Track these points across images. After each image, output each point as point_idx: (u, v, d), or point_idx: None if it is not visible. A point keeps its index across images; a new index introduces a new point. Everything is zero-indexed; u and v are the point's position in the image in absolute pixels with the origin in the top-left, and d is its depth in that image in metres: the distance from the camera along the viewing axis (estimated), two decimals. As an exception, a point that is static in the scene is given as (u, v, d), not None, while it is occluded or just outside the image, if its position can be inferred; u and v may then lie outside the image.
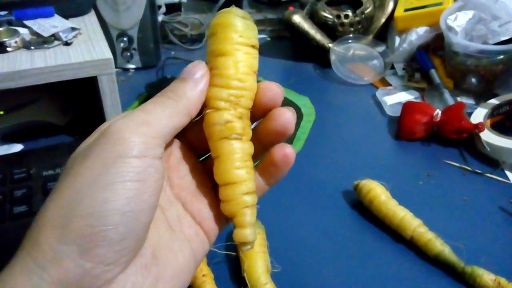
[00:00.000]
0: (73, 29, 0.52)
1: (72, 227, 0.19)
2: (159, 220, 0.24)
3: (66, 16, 0.56)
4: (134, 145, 0.20)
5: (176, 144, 0.26)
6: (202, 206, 0.25)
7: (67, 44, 0.50)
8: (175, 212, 0.25)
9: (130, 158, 0.20)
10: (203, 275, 0.37)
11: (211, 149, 0.24)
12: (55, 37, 0.50)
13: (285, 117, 0.24)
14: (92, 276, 0.19)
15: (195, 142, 0.26)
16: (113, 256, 0.19)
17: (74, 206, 0.19)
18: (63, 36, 0.50)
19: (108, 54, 0.48)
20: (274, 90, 0.24)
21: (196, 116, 0.24)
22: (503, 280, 0.36)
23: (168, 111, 0.22)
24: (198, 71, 0.24)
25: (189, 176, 0.26)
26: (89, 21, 0.57)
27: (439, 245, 0.39)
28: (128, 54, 0.72)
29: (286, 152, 0.25)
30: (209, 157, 0.27)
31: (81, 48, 0.49)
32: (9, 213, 0.41)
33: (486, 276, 0.37)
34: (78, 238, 0.19)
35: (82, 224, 0.19)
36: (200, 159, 0.27)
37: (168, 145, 0.24)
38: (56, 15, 0.54)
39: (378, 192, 0.44)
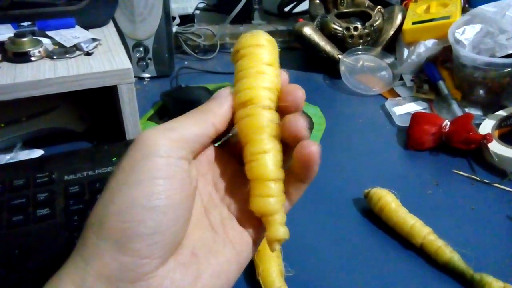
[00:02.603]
0: (94, 39, 0.54)
1: (107, 224, 0.21)
2: (201, 221, 0.25)
3: (86, 27, 0.58)
4: (160, 146, 0.23)
5: (221, 152, 0.28)
6: (246, 209, 0.27)
7: (88, 54, 0.52)
8: (219, 215, 0.26)
9: (155, 158, 0.22)
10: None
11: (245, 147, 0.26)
12: (76, 47, 0.52)
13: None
14: (129, 269, 0.21)
15: (236, 151, 0.29)
16: (147, 250, 0.21)
17: (108, 204, 0.22)
18: (84, 46, 0.52)
19: (128, 64, 0.50)
20: (295, 93, 0.27)
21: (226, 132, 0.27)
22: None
23: (193, 120, 0.25)
24: (224, 93, 0.27)
25: (232, 181, 0.28)
26: (108, 32, 0.59)
27: (448, 253, 0.40)
28: (144, 63, 0.74)
29: (310, 150, 0.25)
30: None
31: (101, 58, 0.51)
32: (33, 216, 0.43)
33: (494, 283, 0.38)
34: (113, 234, 0.21)
35: (115, 221, 0.21)
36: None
37: (208, 154, 0.27)
38: (77, 26, 0.57)
39: (388, 200, 0.45)
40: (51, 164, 0.49)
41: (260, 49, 0.27)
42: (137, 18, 0.69)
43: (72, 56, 0.51)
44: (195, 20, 0.90)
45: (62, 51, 0.52)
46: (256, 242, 0.27)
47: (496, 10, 0.60)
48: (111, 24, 0.62)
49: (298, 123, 0.25)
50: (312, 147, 0.24)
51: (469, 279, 0.39)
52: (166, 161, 0.22)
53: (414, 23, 0.73)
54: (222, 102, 0.26)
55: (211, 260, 0.24)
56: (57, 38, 0.53)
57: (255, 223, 0.27)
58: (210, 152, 0.28)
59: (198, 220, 0.25)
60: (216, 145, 0.29)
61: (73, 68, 0.49)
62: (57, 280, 0.22)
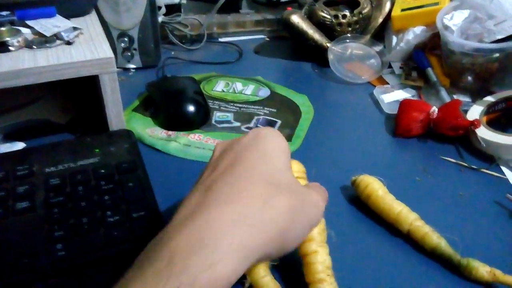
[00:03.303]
0: (75, 28, 0.53)
1: None
2: None
3: (68, 16, 0.56)
4: None
5: None
6: None
7: (69, 43, 0.51)
8: None
9: None
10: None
11: None
12: (57, 36, 0.51)
13: None
14: None
15: None
16: None
17: None
18: (65, 35, 0.51)
19: (110, 53, 0.49)
20: None
21: None
22: (498, 272, 0.37)
23: None
24: None
25: None
26: (90, 21, 0.58)
27: (435, 239, 0.40)
28: (129, 54, 0.72)
29: None
30: None
31: (82, 48, 0.50)
32: (12, 209, 0.42)
33: (481, 268, 0.37)
34: None
35: None
36: None
37: None
38: (57, 15, 0.55)
39: (375, 187, 0.44)
40: (32, 157, 0.48)
41: None
42: (121, 8, 0.68)
43: (52, 45, 0.50)
44: (182, 9, 0.88)
45: (42, 41, 0.50)
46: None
47: (484, -5, 0.60)
48: (93, 14, 0.60)
49: None
50: None
51: (456, 264, 0.38)
52: None
53: (402, 10, 0.73)
54: None
55: None
56: (36, 28, 0.52)
57: None
58: None
59: None
60: None
61: (53, 58, 0.47)
62: None
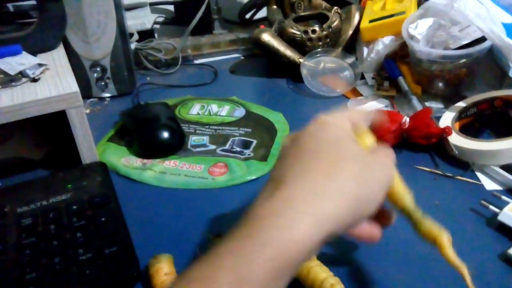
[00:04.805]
0: (40, 65, 0.53)
1: None
2: None
3: (35, 52, 0.56)
4: None
5: None
6: None
7: (34, 80, 0.51)
8: None
9: None
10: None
11: None
12: (22, 74, 0.51)
13: None
14: None
15: None
16: None
17: None
18: (30, 73, 0.51)
19: (75, 88, 0.49)
20: None
21: None
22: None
23: None
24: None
25: None
26: (57, 55, 0.58)
27: None
28: (103, 83, 0.72)
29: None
30: None
31: (48, 84, 0.50)
32: (-17, 253, 0.41)
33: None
34: None
35: None
36: None
37: None
38: (24, 52, 0.55)
39: None
40: (3, 197, 0.48)
41: None
42: (91, 39, 0.68)
43: (18, 84, 0.50)
44: (155, 34, 0.89)
45: (7, 80, 0.50)
46: None
47: (446, 2, 0.61)
48: (61, 47, 0.61)
49: None
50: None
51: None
52: None
53: (371, 21, 0.73)
54: None
55: None
56: (1, 67, 0.51)
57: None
58: None
59: None
60: None
61: (18, 97, 0.47)
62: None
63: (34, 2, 0.67)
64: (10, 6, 0.71)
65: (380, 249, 0.43)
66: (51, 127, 0.60)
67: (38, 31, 0.58)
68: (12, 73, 0.50)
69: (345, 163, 0.30)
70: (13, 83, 0.50)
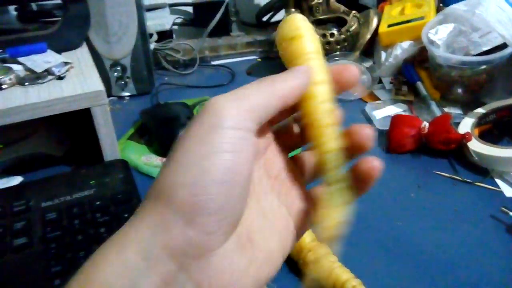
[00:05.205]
0: (66, 63, 0.54)
1: (177, 196, 0.20)
2: (254, 207, 0.25)
3: (59, 50, 0.57)
4: (229, 116, 0.22)
5: (272, 138, 0.28)
6: (294, 200, 0.27)
7: (60, 78, 0.51)
8: (270, 202, 0.26)
9: (225, 129, 0.21)
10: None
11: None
12: (48, 72, 0.52)
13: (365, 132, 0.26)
14: (195, 244, 0.20)
15: (288, 140, 0.28)
16: (213, 225, 0.21)
17: (177, 176, 0.21)
18: (56, 70, 0.52)
19: (100, 86, 0.49)
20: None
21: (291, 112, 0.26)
22: None
23: (264, 91, 0.24)
24: (301, 68, 0.25)
25: (284, 171, 0.27)
26: (81, 54, 0.59)
27: None
28: (122, 82, 0.73)
29: (372, 165, 0.26)
30: (298, 155, 0.29)
31: (73, 82, 0.51)
32: (10, 246, 0.42)
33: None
34: (183, 206, 0.20)
35: (186, 193, 0.20)
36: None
37: (266, 137, 0.26)
38: (49, 50, 0.56)
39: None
40: (28, 192, 0.49)
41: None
42: (112, 38, 0.69)
43: (44, 81, 0.51)
44: (173, 35, 0.90)
45: (34, 77, 0.51)
46: (298, 236, 0.27)
47: (467, 8, 0.61)
48: (84, 46, 0.62)
49: (364, 131, 0.26)
50: (375, 162, 0.25)
51: None
52: (235, 133, 0.22)
53: (389, 25, 0.74)
54: (298, 76, 0.25)
55: (262, 247, 0.24)
56: (28, 64, 0.53)
57: (299, 216, 0.27)
58: (268, 134, 0.27)
59: (252, 205, 0.25)
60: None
61: (44, 94, 0.48)
62: (118, 246, 0.21)
63: (58, 1, 0.69)
64: (33, 5, 0.72)
65: (404, 252, 0.43)
66: (71, 125, 0.61)
67: (62, 30, 0.59)
68: (39, 70, 0.51)
69: None
70: (39, 81, 0.51)
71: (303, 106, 0.25)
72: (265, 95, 0.23)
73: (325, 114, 0.25)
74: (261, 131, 0.26)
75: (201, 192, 0.20)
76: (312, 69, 0.25)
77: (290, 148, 0.29)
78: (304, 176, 0.29)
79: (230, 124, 0.22)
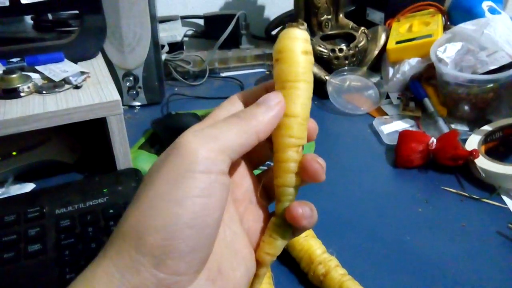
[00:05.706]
0: (83, 73, 0.55)
1: (147, 239, 0.21)
2: (221, 237, 0.25)
3: (75, 60, 0.59)
4: (201, 159, 0.22)
5: (240, 161, 0.28)
6: (254, 223, 0.27)
7: (77, 87, 0.53)
8: (233, 231, 0.26)
9: (197, 173, 0.21)
10: None
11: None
12: (65, 81, 0.53)
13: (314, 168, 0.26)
14: (165, 285, 0.21)
15: (254, 160, 0.28)
16: (184, 267, 0.21)
17: (149, 219, 0.21)
18: (73, 80, 0.53)
19: (116, 96, 0.50)
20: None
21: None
22: None
23: (236, 129, 0.24)
24: (273, 99, 0.25)
25: (248, 192, 0.28)
26: (97, 64, 0.60)
27: None
28: (134, 92, 0.75)
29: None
30: (263, 172, 0.29)
31: (90, 91, 0.52)
32: (24, 252, 0.42)
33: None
34: (153, 250, 0.21)
35: (157, 237, 0.21)
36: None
37: (236, 163, 0.26)
38: (66, 60, 0.58)
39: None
40: (42, 198, 0.49)
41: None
42: (126, 49, 0.70)
43: (61, 90, 0.52)
44: (184, 47, 0.91)
45: (51, 86, 0.52)
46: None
47: (475, 28, 0.62)
48: (99, 56, 0.63)
49: (313, 167, 0.26)
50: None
51: None
52: (207, 177, 0.22)
53: (397, 42, 0.75)
54: (268, 110, 0.25)
55: (231, 277, 0.24)
56: (46, 73, 0.54)
57: (257, 238, 0.27)
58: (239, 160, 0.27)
59: (219, 234, 0.24)
60: None
61: (62, 102, 0.49)
62: (87, 286, 0.21)
63: (74, 11, 0.70)
64: (49, 14, 0.74)
65: (412, 266, 0.43)
66: (84, 133, 0.62)
67: (79, 39, 0.60)
68: (56, 79, 0.53)
69: None
70: (56, 89, 0.52)
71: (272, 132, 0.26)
72: (238, 133, 0.23)
73: (287, 150, 0.25)
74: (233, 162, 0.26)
75: (172, 237, 0.21)
76: (283, 101, 0.25)
77: (257, 164, 0.29)
78: (269, 193, 0.29)
79: (201, 169, 0.22)
